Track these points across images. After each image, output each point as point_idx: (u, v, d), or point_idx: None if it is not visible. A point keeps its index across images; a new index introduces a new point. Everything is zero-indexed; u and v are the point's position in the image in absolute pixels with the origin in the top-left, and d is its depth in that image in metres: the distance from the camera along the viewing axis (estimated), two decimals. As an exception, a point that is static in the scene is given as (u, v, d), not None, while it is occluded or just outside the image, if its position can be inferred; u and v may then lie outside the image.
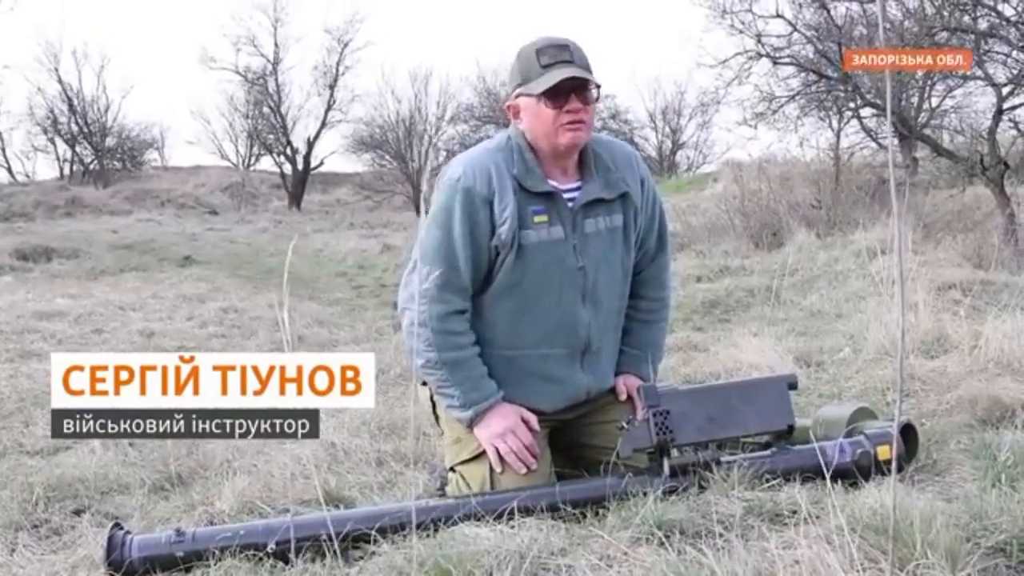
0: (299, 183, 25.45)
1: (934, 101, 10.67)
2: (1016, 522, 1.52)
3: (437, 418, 2.40)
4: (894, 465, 1.23)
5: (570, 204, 2.23)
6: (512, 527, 1.79)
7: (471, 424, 2.22)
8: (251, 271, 11.28)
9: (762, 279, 6.29)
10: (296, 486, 2.61)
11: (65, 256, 12.72)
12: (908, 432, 2.14)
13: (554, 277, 2.22)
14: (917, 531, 1.38)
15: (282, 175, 26.56)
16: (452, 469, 2.31)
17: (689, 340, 4.62)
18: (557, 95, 2.14)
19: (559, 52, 2.16)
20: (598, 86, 2.20)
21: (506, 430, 2.19)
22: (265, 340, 6.05)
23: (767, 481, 1.88)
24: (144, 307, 8.04)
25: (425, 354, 2.21)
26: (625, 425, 2.04)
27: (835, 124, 10.53)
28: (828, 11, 8.40)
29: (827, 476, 1.78)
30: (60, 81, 27.21)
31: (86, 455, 3.07)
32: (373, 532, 1.82)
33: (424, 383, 2.35)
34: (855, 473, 1.93)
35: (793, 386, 2.09)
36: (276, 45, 25.43)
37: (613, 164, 2.29)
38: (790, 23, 8.51)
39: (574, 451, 2.35)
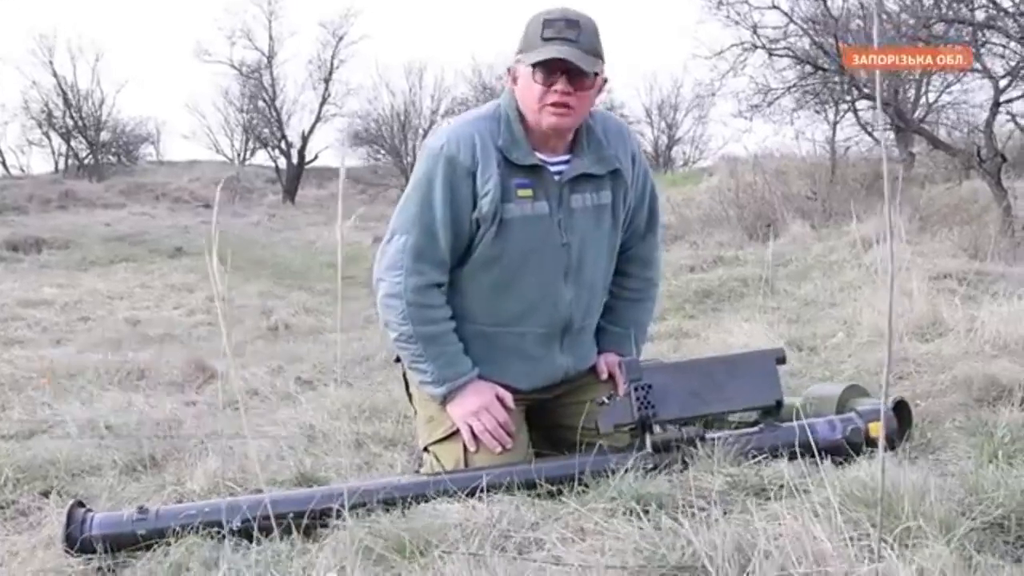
0: (293, 177, 25.32)
1: (931, 96, 10.64)
2: (1013, 496, 1.45)
3: (410, 396, 2.32)
4: (882, 429, 1.15)
5: (556, 178, 2.14)
6: (482, 502, 1.71)
7: (444, 401, 2.14)
8: (242, 262, 11.20)
9: (756, 269, 6.22)
10: (271, 467, 2.54)
11: (56, 247, 12.67)
12: (902, 410, 2.07)
13: (536, 253, 2.13)
14: (908, 503, 1.30)
15: (277, 169, 26.44)
16: (426, 449, 2.23)
17: (680, 327, 4.56)
18: (548, 71, 2.03)
19: (566, 28, 2.03)
20: (596, 74, 2.07)
21: (480, 408, 2.11)
22: (251, 328, 5.99)
23: (753, 458, 1.80)
24: (132, 296, 7.99)
25: (399, 327, 2.13)
26: (605, 400, 1.96)
27: (831, 117, 10.47)
28: (824, 2, 8.33)
29: (816, 452, 1.71)
30: (55, 75, 27.08)
31: (60, 438, 3.01)
32: (340, 508, 1.74)
33: (398, 359, 2.27)
34: (846, 450, 1.85)
35: (781, 360, 2.00)
36: (271, 38, 25.30)
37: (605, 139, 2.19)
38: (786, 14, 8.45)
39: (552, 431, 2.27)
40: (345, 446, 2.76)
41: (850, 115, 10.03)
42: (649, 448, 1.89)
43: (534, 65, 2.04)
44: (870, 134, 10.36)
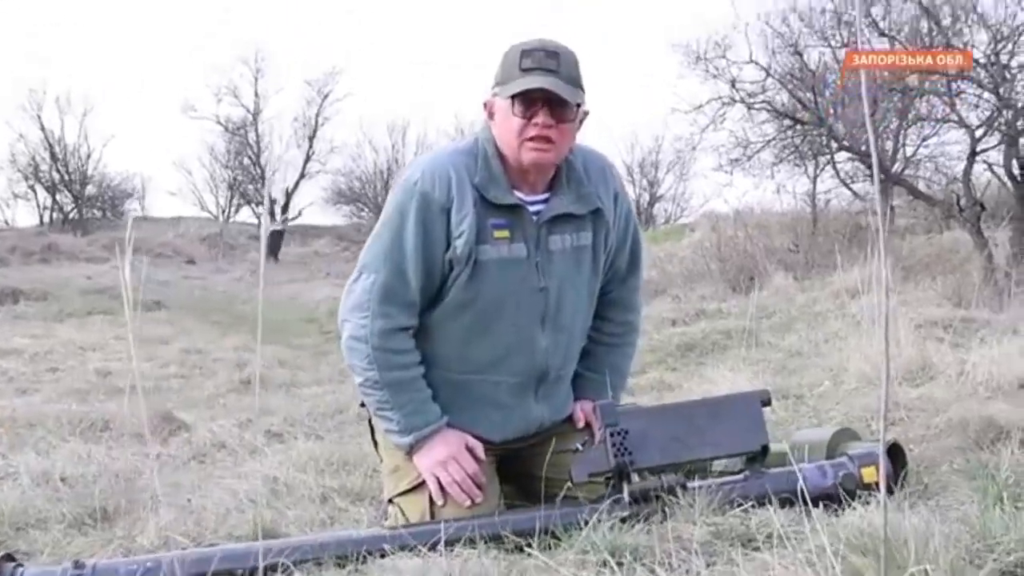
0: (277, 234, 25.26)
1: (908, 150, 10.72)
2: (1028, 541, 1.33)
3: (376, 444, 2.19)
4: (882, 468, 1.03)
5: (535, 218, 2.02)
6: (443, 556, 1.58)
7: (411, 451, 2.01)
8: (221, 317, 11.06)
9: (739, 321, 6.12)
10: (230, 521, 2.40)
11: (33, 298, 12.50)
12: (895, 453, 1.95)
13: (512, 298, 2.01)
14: (912, 550, 1.18)
15: (260, 226, 26.39)
16: (391, 501, 2.09)
17: (662, 379, 4.45)
18: (528, 103, 1.92)
19: (545, 58, 1.92)
20: (578, 105, 1.97)
21: (448, 458, 1.98)
22: (224, 381, 5.83)
23: (739, 506, 1.67)
24: (105, 348, 7.81)
25: (364, 372, 2.00)
26: (579, 447, 1.83)
27: (811, 171, 10.51)
28: (802, 56, 8.39)
29: (807, 500, 1.58)
30: (43, 128, 27.11)
31: (11, 490, 2.86)
32: (288, 563, 1.60)
33: (363, 404, 2.15)
34: (838, 497, 1.73)
35: (767, 402, 1.88)
36: (256, 95, 25.50)
37: (586, 176, 2.08)
38: (764, 69, 8.49)
39: (526, 482, 2.13)
40: (309, 500, 2.62)
41: (829, 168, 10.07)
42: (627, 498, 1.76)
43: (513, 96, 1.93)
44: (849, 187, 10.41)
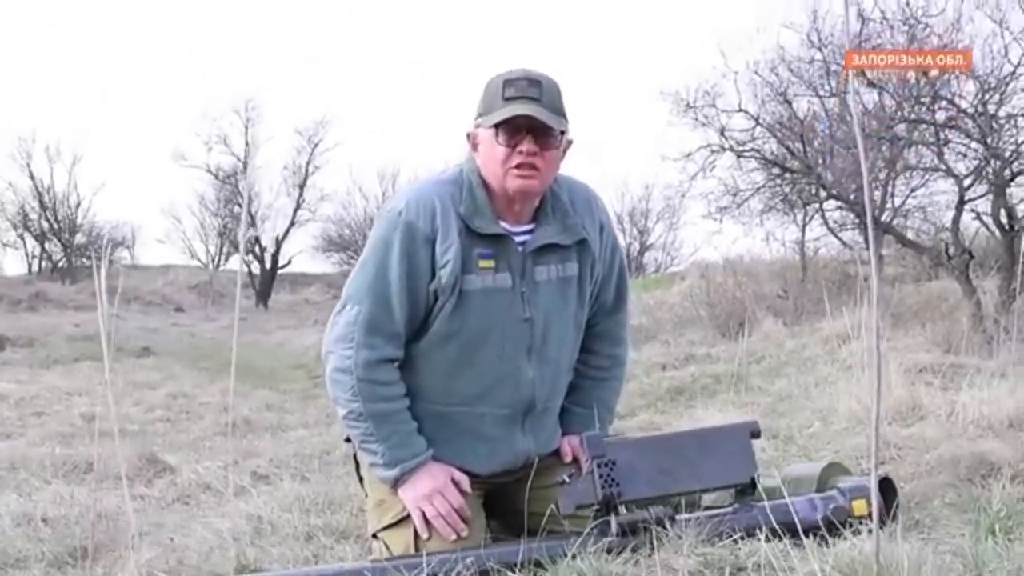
0: (266, 282, 25.26)
1: (897, 200, 10.83)
2: (1019, 572, 1.31)
3: (361, 479, 2.16)
4: (874, 492, 1.02)
5: (520, 248, 2.02)
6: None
7: (396, 484, 1.99)
8: (209, 364, 10.98)
9: (728, 366, 6.12)
10: (212, 559, 2.36)
11: (20, 345, 12.44)
12: (886, 487, 1.93)
13: (497, 328, 2.00)
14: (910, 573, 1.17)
15: (250, 274, 26.37)
16: (375, 536, 2.06)
17: (652, 422, 4.43)
18: (512, 131, 1.93)
19: (528, 87, 1.94)
20: (562, 132, 1.99)
21: (434, 491, 1.96)
22: (211, 424, 5.78)
23: (728, 537, 1.65)
24: (91, 393, 7.73)
25: (348, 404, 1.98)
26: (566, 479, 1.81)
27: (800, 219, 10.59)
28: (791, 105, 8.50)
29: (798, 533, 1.56)
30: (32, 177, 27.18)
31: (-7, 531, 2.81)
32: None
33: (348, 439, 2.12)
34: (828, 530, 1.71)
35: (756, 434, 1.87)
36: (247, 144, 25.61)
37: (572, 207, 2.08)
38: (753, 117, 8.59)
39: (513, 517, 2.10)
40: (294, 538, 2.58)
41: (818, 216, 10.15)
42: (615, 530, 1.73)
43: (497, 125, 1.94)
44: (837, 236, 10.49)
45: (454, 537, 1.92)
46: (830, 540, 1.63)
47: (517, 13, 49.17)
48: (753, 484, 1.80)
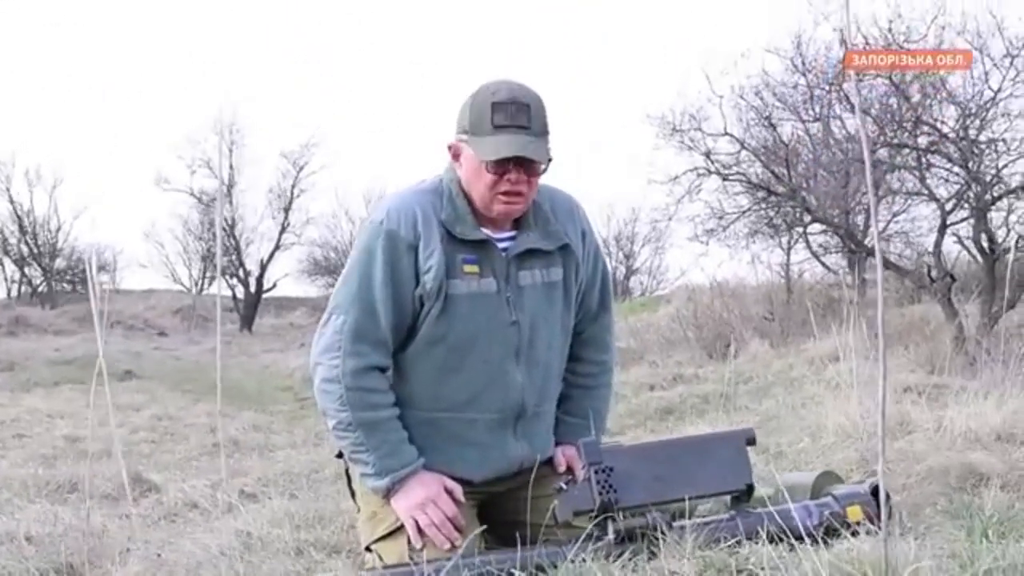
0: (251, 306, 25.12)
1: (880, 225, 10.95)
2: (1016, 570, 1.32)
3: (353, 493, 2.15)
4: (881, 485, 1.03)
5: (503, 254, 2.04)
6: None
7: (388, 495, 1.98)
8: (193, 386, 10.90)
9: (716, 386, 6.15)
10: (202, 574, 2.33)
11: (0, 369, 12.29)
12: (879, 495, 1.94)
13: (484, 332, 2.01)
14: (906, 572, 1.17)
15: (234, 298, 26.24)
16: (368, 549, 2.04)
17: (642, 439, 4.43)
18: (501, 162, 1.95)
19: (517, 114, 1.94)
20: (549, 160, 2.00)
21: (427, 500, 1.95)
22: (196, 445, 5.74)
23: (726, 542, 1.65)
24: (74, 415, 7.67)
25: (337, 414, 1.97)
26: (563, 486, 1.81)
27: (784, 243, 10.68)
28: (775, 129, 8.60)
29: (794, 539, 1.57)
30: (11, 201, 27.00)
31: (-28, 551, 2.76)
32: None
33: (340, 454, 2.12)
34: (823, 536, 1.72)
35: (752, 441, 1.87)
36: (231, 167, 25.55)
37: (553, 215, 2.11)
38: (738, 141, 8.68)
39: (507, 528, 2.06)
40: (284, 553, 2.56)
41: (803, 240, 10.23)
42: (612, 537, 1.73)
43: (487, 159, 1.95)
44: (821, 261, 10.58)
45: (448, 546, 1.91)
46: (829, 542, 1.63)
47: (503, 37, 49.56)
48: (750, 490, 1.81)
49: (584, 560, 1.55)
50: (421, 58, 51.01)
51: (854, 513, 1.74)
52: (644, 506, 1.77)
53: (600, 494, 1.75)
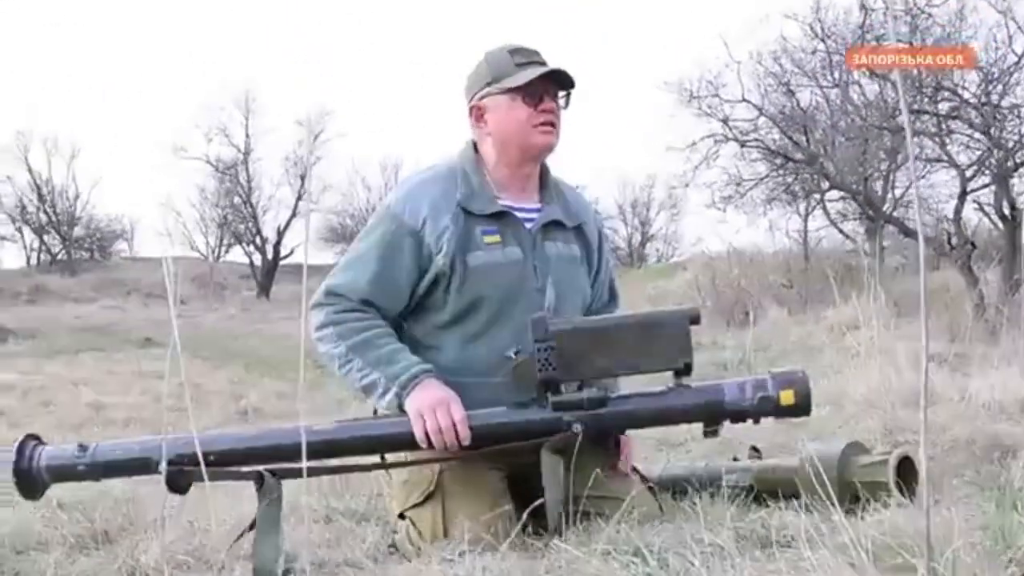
0: (268, 273, 25.25)
1: (898, 191, 10.85)
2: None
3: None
4: (922, 463, 1.04)
5: (528, 225, 2.08)
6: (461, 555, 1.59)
7: (401, 406, 1.97)
8: (212, 353, 11.01)
9: (735, 354, 6.17)
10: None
11: (22, 337, 12.48)
12: (906, 466, 1.96)
13: (511, 298, 2.03)
14: (941, 545, 1.19)
15: (251, 265, 26.36)
16: (402, 516, 2.07)
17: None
18: (534, 92, 2.03)
19: (532, 53, 2.08)
20: (572, 87, 2.09)
21: (436, 402, 1.93)
22: (219, 412, 5.82)
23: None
24: (98, 383, 7.78)
25: (334, 352, 2.01)
26: (512, 356, 1.89)
27: (802, 209, 10.62)
28: (794, 95, 8.52)
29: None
30: (30, 170, 27.13)
31: (7, 515, 2.82)
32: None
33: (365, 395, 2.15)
34: (754, 416, 1.78)
35: (695, 320, 1.87)
36: (247, 136, 25.56)
37: (571, 201, 2.20)
38: (756, 107, 8.61)
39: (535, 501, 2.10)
40: (313, 520, 2.60)
41: (820, 207, 10.17)
42: (550, 408, 1.83)
43: (521, 86, 2.02)
44: (839, 228, 10.51)
45: (456, 447, 1.91)
46: (858, 513, 1.65)
47: (519, 7, 49.14)
48: (688, 368, 1.83)
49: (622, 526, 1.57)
50: (437, 26, 50.67)
51: (787, 397, 1.73)
52: (583, 380, 1.85)
53: (541, 370, 1.81)
